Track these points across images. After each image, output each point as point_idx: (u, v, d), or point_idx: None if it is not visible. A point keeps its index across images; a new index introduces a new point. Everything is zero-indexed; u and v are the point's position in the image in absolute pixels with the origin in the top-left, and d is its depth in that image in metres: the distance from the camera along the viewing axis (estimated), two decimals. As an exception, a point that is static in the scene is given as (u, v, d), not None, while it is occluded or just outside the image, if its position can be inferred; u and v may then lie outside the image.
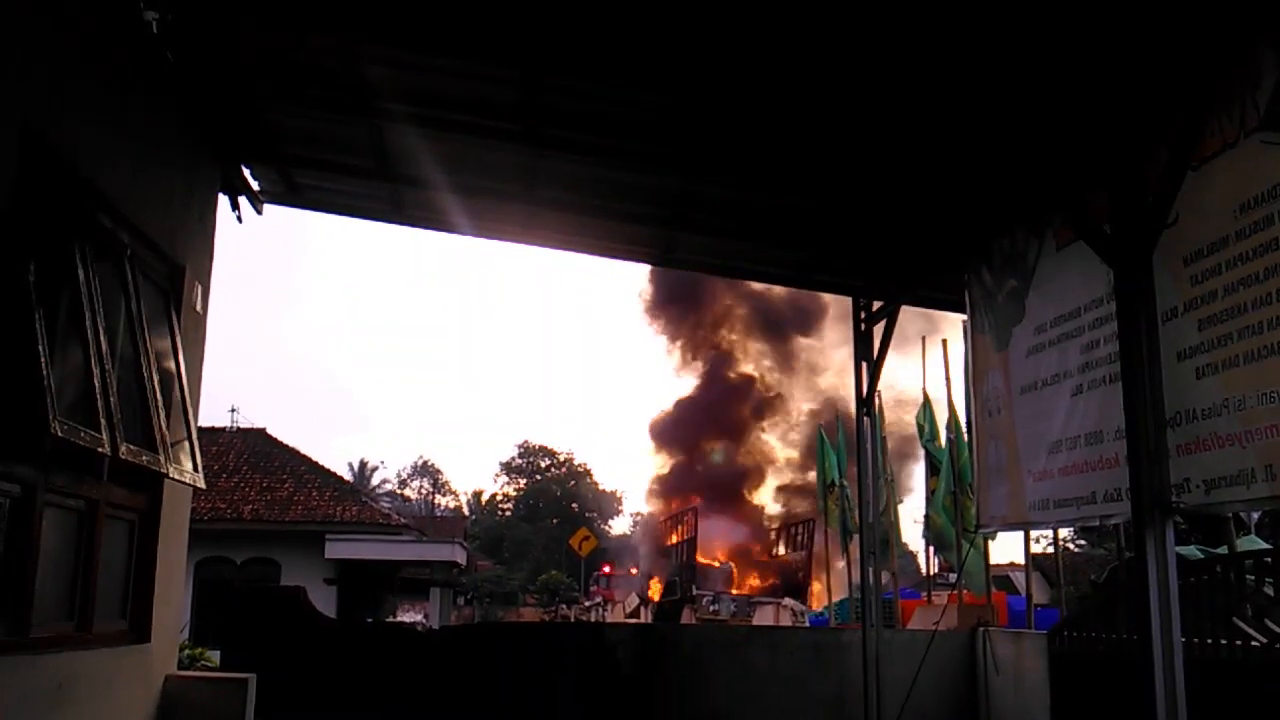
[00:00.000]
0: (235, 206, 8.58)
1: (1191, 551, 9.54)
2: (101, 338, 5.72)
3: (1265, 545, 10.03)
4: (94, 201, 5.93)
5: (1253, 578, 7.24)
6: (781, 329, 48.21)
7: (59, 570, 5.76)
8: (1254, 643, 6.78)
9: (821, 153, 7.52)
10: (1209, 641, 6.99)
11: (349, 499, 28.52)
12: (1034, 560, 12.88)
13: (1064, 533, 15.26)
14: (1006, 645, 10.23)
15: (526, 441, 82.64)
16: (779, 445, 49.84)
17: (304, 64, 7.19)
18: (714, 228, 9.51)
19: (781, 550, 32.89)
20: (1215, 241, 5.91)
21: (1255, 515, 11.15)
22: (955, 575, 13.76)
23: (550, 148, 7.93)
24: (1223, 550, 9.00)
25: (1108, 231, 6.52)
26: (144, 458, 6.12)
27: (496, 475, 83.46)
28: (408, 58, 6.93)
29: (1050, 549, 17.68)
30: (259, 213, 8.96)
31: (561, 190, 8.93)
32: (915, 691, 9.88)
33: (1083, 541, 34.10)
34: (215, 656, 9.66)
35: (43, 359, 4.97)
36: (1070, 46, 5.62)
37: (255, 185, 8.84)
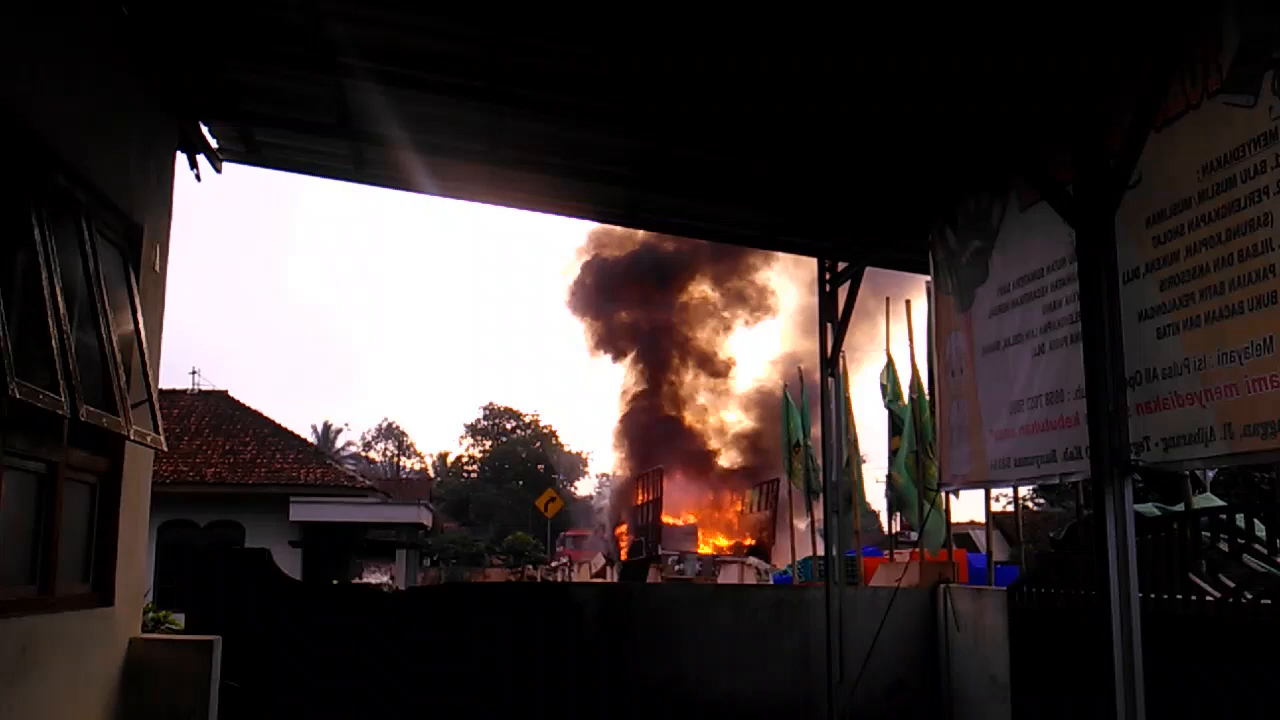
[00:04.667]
0: (194, 165, 8.44)
1: (1149, 509, 9.69)
2: (59, 298, 5.63)
3: (1220, 503, 10.22)
4: (49, 160, 5.80)
5: (1208, 534, 7.39)
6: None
7: (19, 534, 5.71)
8: (1209, 597, 6.92)
9: (787, 110, 7.49)
10: (1165, 596, 7.13)
11: (313, 461, 28.40)
12: (994, 518, 13.05)
13: (1024, 491, 15.43)
14: (967, 601, 10.39)
15: (492, 403, 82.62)
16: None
17: (263, 18, 7.06)
18: (679, 189, 9.47)
19: (746, 509, 33.13)
20: (1178, 203, 5.97)
21: (1211, 473, 11.35)
22: (916, 534, 13.92)
23: (513, 105, 7.85)
24: (1180, 508, 9.16)
25: (1070, 192, 6.56)
26: (104, 420, 6.05)
27: (462, 437, 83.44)
28: (369, 12, 6.82)
29: (1010, 507, 17.96)
30: (218, 171, 8.82)
31: (525, 149, 8.85)
32: (878, 647, 10.03)
33: (1042, 500, 34.58)
34: (180, 619, 9.61)
35: (-1, 320, 4.88)
36: (1036, 6, 5.62)
37: (214, 143, 8.69)
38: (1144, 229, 6.23)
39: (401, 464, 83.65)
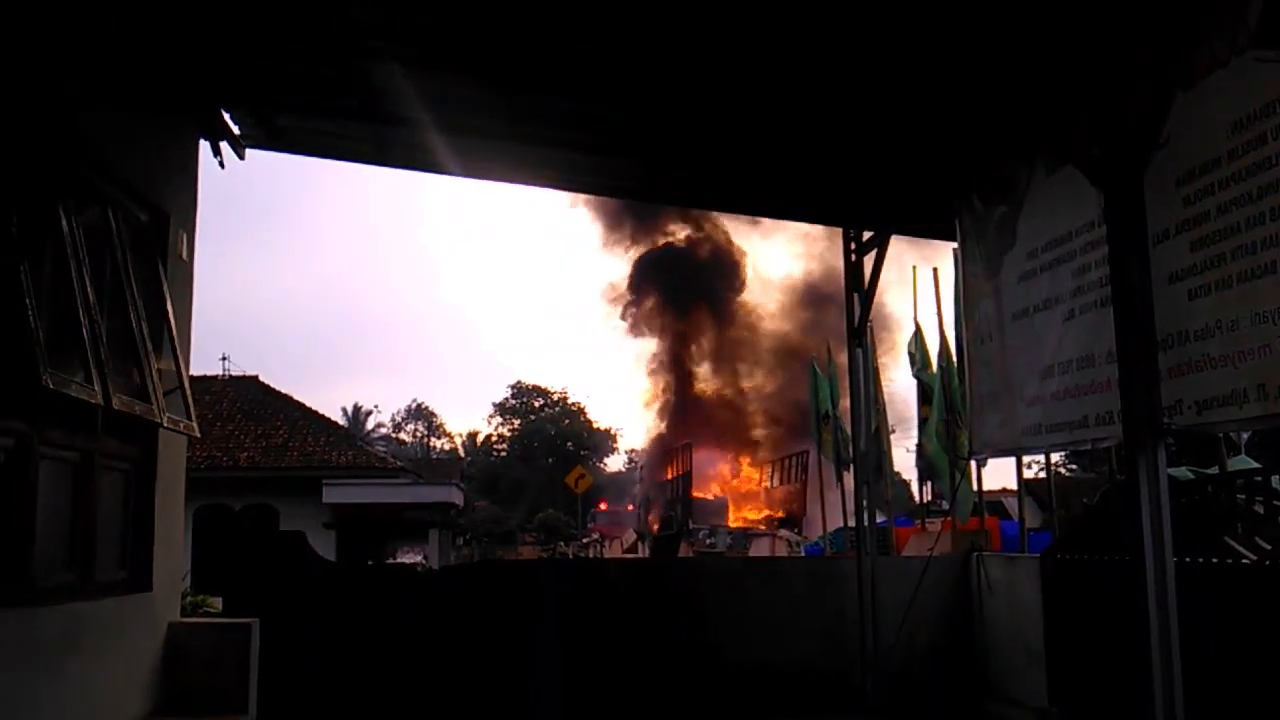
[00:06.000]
0: (217, 152, 8.44)
1: (1183, 473, 9.63)
2: (88, 288, 5.68)
3: (1255, 465, 10.12)
4: (75, 150, 5.84)
5: (1243, 496, 7.33)
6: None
7: (57, 522, 5.78)
8: (1244, 560, 6.87)
9: (808, 84, 7.42)
10: (1200, 560, 7.08)
11: (344, 444, 28.67)
12: (1026, 485, 12.99)
13: (1056, 457, 15.34)
14: (1000, 569, 10.36)
15: (520, 381, 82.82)
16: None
17: (283, 2, 7.04)
18: (697, 163, 9.41)
19: (775, 482, 33.14)
20: (1207, 161, 5.88)
21: (1245, 435, 11.25)
22: (947, 503, 13.89)
23: (532, 87, 7.81)
24: (1214, 471, 9.08)
25: (1097, 155, 6.47)
26: (137, 408, 6.11)
27: (490, 416, 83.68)
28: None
29: (1042, 474, 17.86)
30: (241, 157, 8.82)
31: (545, 126, 8.81)
32: (911, 616, 10.03)
33: (1074, 465, 34.39)
34: (218, 603, 9.73)
35: (30, 311, 4.93)
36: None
37: (237, 130, 8.70)
38: (1174, 189, 6.14)
39: (432, 444, 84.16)
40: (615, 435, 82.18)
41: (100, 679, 6.07)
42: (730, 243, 49.08)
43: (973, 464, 11.87)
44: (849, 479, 15.60)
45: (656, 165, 9.58)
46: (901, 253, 11.42)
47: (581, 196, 46.81)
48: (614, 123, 8.71)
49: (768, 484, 34.28)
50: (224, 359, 42.15)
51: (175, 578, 7.55)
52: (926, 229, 10.39)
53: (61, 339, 5.37)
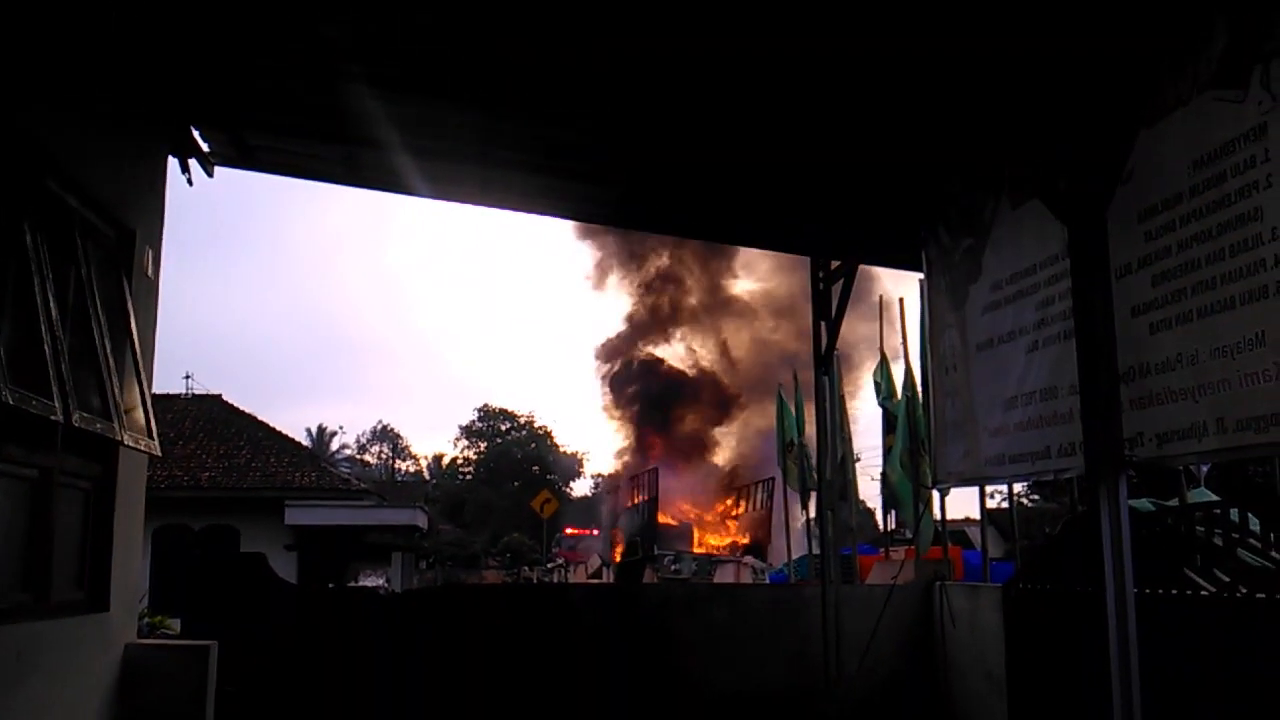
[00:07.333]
0: (185, 169, 8.40)
1: (1144, 504, 9.71)
2: (51, 304, 5.62)
3: (1215, 497, 10.23)
4: (40, 165, 5.79)
5: (1202, 529, 7.40)
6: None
7: (13, 540, 5.69)
8: (1203, 592, 6.94)
9: (777, 114, 7.48)
10: (1160, 591, 7.14)
11: (308, 465, 28.39)
12: (989, 515, 13.06)
13: (1018, 487, 15.45)
14: (962, 598, 10.40)
15: (486, 404, 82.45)
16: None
17: (255, 21, 7.03)
18: (667, 189, 9.46)
19: (741, 508, 33.14)
20: (1169, 198, 5.99)
21: (1205, 468, 11.37)
22: (910, 531, 13.94)
23: (506, 108, 7.83)
24: (1174, 503, 9.18)
25: (1062, 189, 6.57)
26: (98, 425, 6.04)
27: (456, 439, 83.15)
28: (361, 15, 6.80)
29: (1005, 504, 17.95)
30: (210, 175, 8.78)
31: (517, 151, 8.83)
32: (874, 644, 10.05)
33: (1037, 496, 34.69)
34: (176, 624, 9.59)
35: (-9, 326, 4.87)
36: (1028, 5, 5.63)
37: (206, 148, 8.66)
38: (1136, 224, 6.24)
39: (396, 466, 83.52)
40: (582, 459, 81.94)
41: (55, 700, 5.97)
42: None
43: (935, 493, 11.95)
44: (814, 506, 15.63)
45: (631, 192, 9.61)
46: (870, 282, 11.47)
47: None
48: (588, 149, 8.75)
49: (733, 508, 34.32)
50: (187, 377, 41.80)
51: (133, 598, 7.44)
52: (894, 259, 10.50)
53: (23, 355, 5.30)
